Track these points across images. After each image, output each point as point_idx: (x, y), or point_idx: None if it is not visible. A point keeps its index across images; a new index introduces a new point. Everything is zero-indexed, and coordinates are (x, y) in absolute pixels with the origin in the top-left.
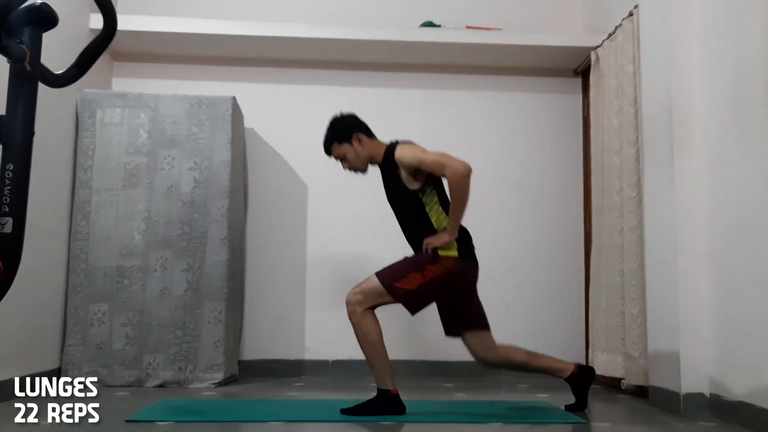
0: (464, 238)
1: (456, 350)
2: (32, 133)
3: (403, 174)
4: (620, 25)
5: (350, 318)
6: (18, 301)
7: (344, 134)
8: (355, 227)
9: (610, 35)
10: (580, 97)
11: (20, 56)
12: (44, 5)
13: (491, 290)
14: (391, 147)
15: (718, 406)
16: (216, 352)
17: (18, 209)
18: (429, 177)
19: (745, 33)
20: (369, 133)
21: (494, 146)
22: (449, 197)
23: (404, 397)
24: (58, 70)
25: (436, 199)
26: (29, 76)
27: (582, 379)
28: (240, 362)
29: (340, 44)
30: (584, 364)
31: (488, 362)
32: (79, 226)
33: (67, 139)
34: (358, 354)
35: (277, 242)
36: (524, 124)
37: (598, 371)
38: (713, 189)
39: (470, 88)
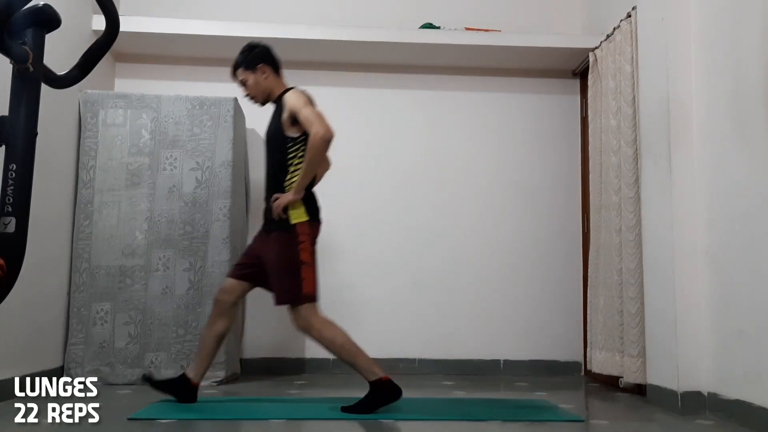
0: (311, 199)
1: (455, 349)
2: (35, 134)
3: (285, 116)
4: (618, 26)
5: (311, 337)
6: (21, 300)
7: (252, 62)
8: (356, 227)
9: (608, 36)
10: (578, 98)
11: (23, 57)
12: (47, 7)
13: (490, 289)
14: (288, 89)
15: (715, 404)
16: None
17: (21, 209)
18: (306, 134)
19: (742, 33)
20: (277, 70)
21: (493, 147)
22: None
23: (403, 395)
24: (61, 71)
25: (303, 157)
26: (32, 77)
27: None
28: (241, 361)
29: (340, 46)
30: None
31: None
32: (81, 225)
33: (70, 139)
34: None
35: None
36: (523, 125)
37: (596, 369)
38: (711, 188)
39: (469, 90)
